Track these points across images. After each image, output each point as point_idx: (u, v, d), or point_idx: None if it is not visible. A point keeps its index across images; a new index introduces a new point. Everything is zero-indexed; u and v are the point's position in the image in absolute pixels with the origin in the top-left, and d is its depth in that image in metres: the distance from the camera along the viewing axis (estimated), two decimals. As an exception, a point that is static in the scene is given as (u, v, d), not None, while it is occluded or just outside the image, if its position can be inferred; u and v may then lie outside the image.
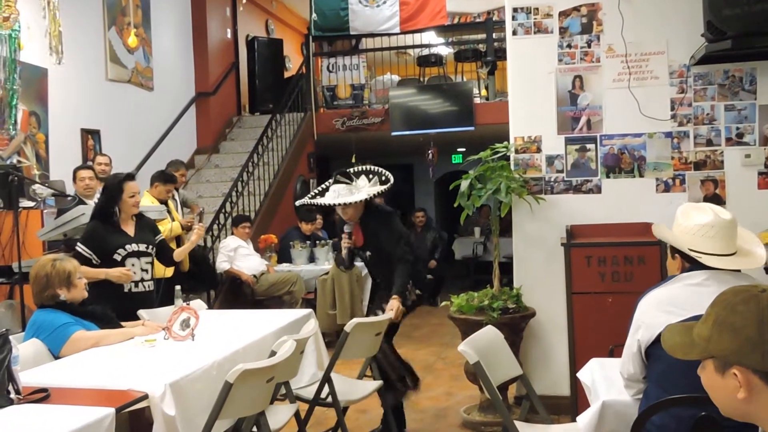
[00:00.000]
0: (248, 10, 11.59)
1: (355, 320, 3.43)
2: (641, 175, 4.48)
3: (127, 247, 4.02)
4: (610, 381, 2.45)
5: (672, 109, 4.44)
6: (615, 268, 4.06)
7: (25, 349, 2.98)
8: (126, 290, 3.99)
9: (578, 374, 2.81)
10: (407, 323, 4.21)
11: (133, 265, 4.01)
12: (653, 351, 2.12)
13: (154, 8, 8.66)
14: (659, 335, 2.08)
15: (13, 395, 2.31)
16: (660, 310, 2.11)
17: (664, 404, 2.02)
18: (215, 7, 10.39)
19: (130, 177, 4.17)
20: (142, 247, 4.09)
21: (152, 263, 4.18)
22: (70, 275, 3.28)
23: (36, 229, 5.24)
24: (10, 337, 2.38)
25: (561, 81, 4.57)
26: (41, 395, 2.35)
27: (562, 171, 4.55)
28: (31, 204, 5.57)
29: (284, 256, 7.66)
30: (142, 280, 4.09)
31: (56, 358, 3.10)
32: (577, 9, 4.56)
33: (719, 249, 2.18)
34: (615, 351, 2.67)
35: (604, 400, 2.33)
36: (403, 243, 4.02)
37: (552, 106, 4.58)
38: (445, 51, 11.42)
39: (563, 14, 4.57)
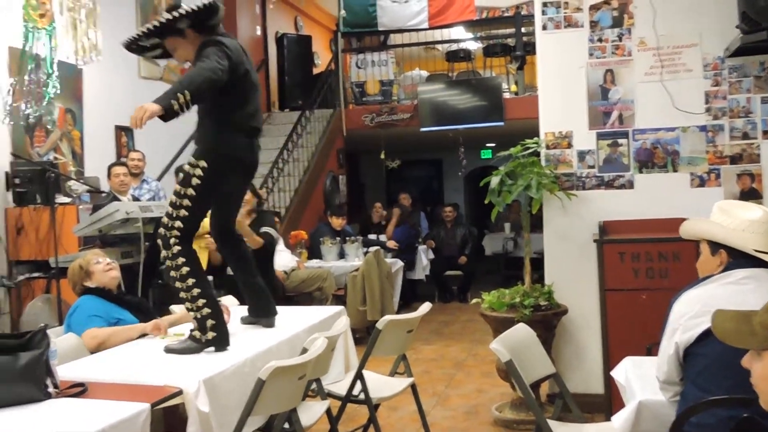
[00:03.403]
0: (277, 7, 11.62)
1: (387, 317, 3.42)
2: (675, 170, 4.40)
3: None
4: (646, 380, 2.41)
5: (706, 102, 4.35)
6: (649, 264, 3.99)
7: (62, 343, 3.03)
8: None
9: (612, 373, 2.77)
10: (438, 320, 4.18)
11: None
12: (691, 351, 2.08)
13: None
14: (698, 336, 2.05)
15: (51, 389, 2.34)
16: (698, 311, 2.06)
17: (704, 406, 1.98)
18: (245, 4, 10.44)
19: None
20: None
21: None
22: (81, 267, 3.50)
23: (71, 225, 5.34)
24: (48, 332, 2.41)
25: (592, 75, 4.50)
26: (78, 389, 2.38)
27: (593, 166, 4.49)
28: (67, 200, 5.68)
29: (314, 252, 7.68)
30: None
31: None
32: (607, 2, 4.48)
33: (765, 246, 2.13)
34: (654, 350, 2.61)
35: (640, 400, 2.29)
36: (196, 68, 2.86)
37: (583, 100, 4.51)
38: (474, 46, 11.35)
39: (594, 8, 4.50)
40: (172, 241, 2.92)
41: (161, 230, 2.97)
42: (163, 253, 2.97)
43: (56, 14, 5.79)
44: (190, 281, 2.94)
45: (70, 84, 6.47)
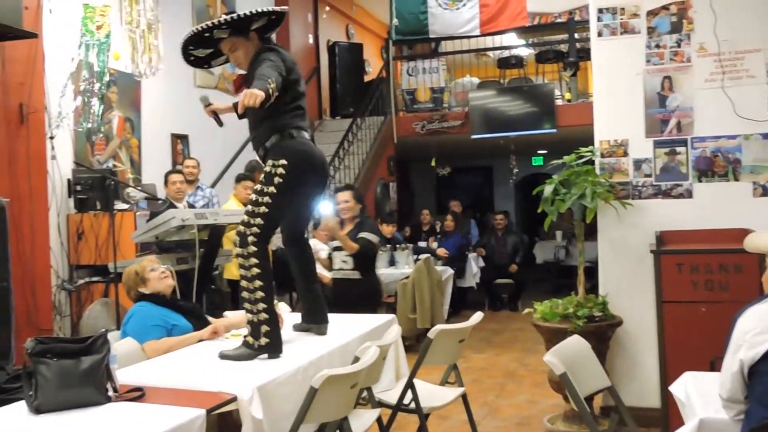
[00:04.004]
0: (329, 15, 11.75)
1: (439, 327, 3.39)
2: (736, 179, 4.27)
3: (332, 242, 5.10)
4: (707, 397, 2.34)
5: (770, 108, 4.22)
6: (709, 276, 3.88)
7: (120, 347, 3.10)
8: (336, 276, 5.09)
9: (671, 388, 2.69)
10: (488, 328, 4.15)
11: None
12: (756, 369, 2.00)
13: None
14: (764, 354, 1.98)
15: (111, 393, 2.38)
16: (764, 328, 1.99)
17: (771, 425, 1.91)
18: (298, 13, 10.57)
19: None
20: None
21: (351, 256, 4.98)
22: (137, 273, 3.56)
23: (129, 231, 5.46)
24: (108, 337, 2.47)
25: (649, 82, 4.41)
26: (137, 394, 2.42)
27: (650, 175, 4.39)
28: (125, 206, 5.80)
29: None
30: (341, 269, 5.05)
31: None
32: (666, 8, 4.39)
33: None
34: (717, 364, 2.53)
35: (701, 418, 2.21)
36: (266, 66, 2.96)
37: (639, 108, 4.42)
38: (526, 52, 11.25)
39: (651, 13, 4.41)
40: (250, 239, 2.96)
41: (240, 227, 3.01)
42: (238, 250, 3.00)
43: (115, 27, 5.96)
44: (258, 283, 2.97)
45: (129, 93, 6.64)
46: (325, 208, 5.52)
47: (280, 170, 3.00)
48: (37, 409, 2.26)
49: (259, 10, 3.06)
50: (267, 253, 3.05)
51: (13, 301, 4.67)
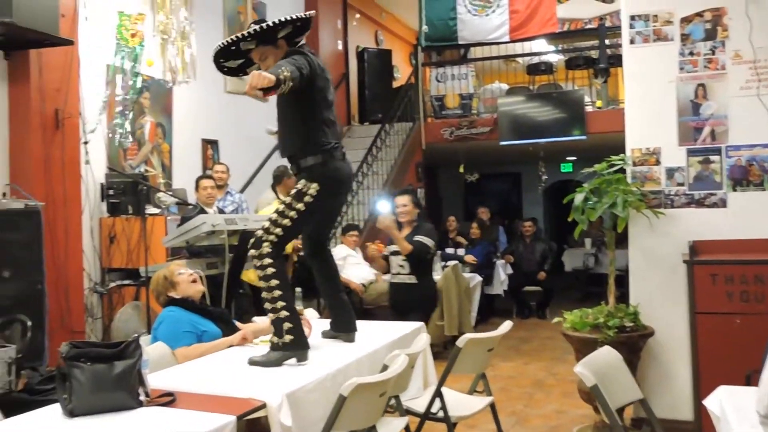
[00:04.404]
0: (358, 21, 11.79)
1: (467, 336, 3.37)
2: (772, 188, 4.20)
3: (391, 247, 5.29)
4: (744, 412, 2.29)
5: (807, 117, 4.14)
6: (744, 287, 3.81)
7: (151, 351, 3.13)
8: (393, 281, 5.26)
9: (705, 402, 2.64)
10: (516, 336, 4.11)
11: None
12: (796, 385, 1.96)
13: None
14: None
15: (142, 397, 2.41)
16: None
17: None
18: (327, 19, 10.62)
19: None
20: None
21: (408, 261, 5.20)
22: (166, 278, 3.59)
23: (160, 235, 5.53)
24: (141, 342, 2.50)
25: (682, 90, 4.35)
26: (168, 399, 2.44)
27: (683, 184, 4.33)
28: (157, 211, 5.88)
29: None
30: (399, 274, 5.27)
31: (172, 349, 3.34)
32: (700, 15, 4.33)
33: None
34: (754, 378, 2.48)
35: (737, 434, 2.17)
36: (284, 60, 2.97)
37: (672, 116, 4.36)
38: (555, 58, 11.19)
39: (685, 20, 4.36)
40: (265, 244, 3.00)
41: (259, 231, 3.05)
42: (252, 252, 3.04)
43: (148, 35, 6.04)
44: (274, 282, 3.01)
45: (161, 99, 6.72)
46: (382, 206, 5.60)
47: (312, 192, 3.06)
48: (71, 413, 2.29)
49: (283, 18, 3.08)
50: (281, 256, 3.09)
51: (47, 303, 4.75)
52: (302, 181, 3.09)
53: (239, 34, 3.11)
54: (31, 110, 5.20)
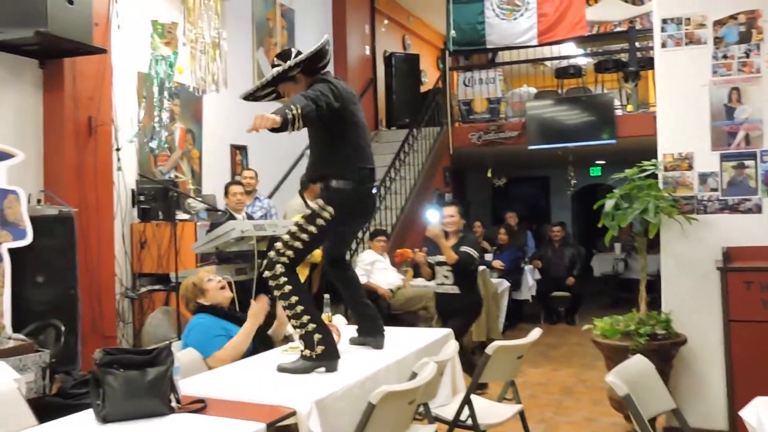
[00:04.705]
0: (386, 27, 11.81)
1: (497, 343, 3.36)
2: (809, 194, 4.12)
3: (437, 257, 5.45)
4: (781, 424, 2.25)
5: None
6: (780, 295, 3.75)
7: (182, 357, 3.15)
8: (438, 291, 5.53)
9: (741, 413, 2.59)
10: (544, 342, 4.07)
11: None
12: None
13: (298, 29, 9.02)
14: None
15: (174, 404, 2.43)
16: None
17: None
18: (355, 24, 10.66)
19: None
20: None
21: (452, 271, 5.35)
22: (195, 284, 3.62)
23: (190, 241, 5.57)
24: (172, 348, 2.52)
25: (715, 94, 4.29)
26: (199, 406, 2.45)
27: (716, 189, 4.27)
28: (186, 217, 5.93)
29: (420, 271, 7.67)
30: (443, 283, 5.43)
31: (204, 356, 3.34)
32: (734, 17, 4.27)
33: None
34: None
35: (775, 447, 2.13)
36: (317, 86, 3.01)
37: (705, 120, 4.31)
38: (584, 61, 11.10)
39: (718, 23, 4.30)
40: (278, 267, 3.01)
41: (271, 253, 3.06)
42: (267, 273, 3.05)
43: (181, 43, 6.11)
44: (294, 299, 3.01)
45: (191, 106, 6.79)
46: (432, 216, 5.75)
47: (326, 215, 3.04)
48: (105, 419, 2.31)
49: (291, 63, 3.11)
50: (295, 272, 3.08)
51: (80, 308, 4.82)
52: (320, 201, 3.08)
53: (253, 88, 3.22)
54: (65, 118, 5.27)
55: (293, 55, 3.16)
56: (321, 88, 2.99)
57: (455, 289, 5.37)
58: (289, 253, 3.02)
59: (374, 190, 3.29)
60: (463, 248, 5.34)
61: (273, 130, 2.76)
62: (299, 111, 2.79)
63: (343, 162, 3.11)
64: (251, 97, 3.28)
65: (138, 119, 6.08)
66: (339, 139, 3.12)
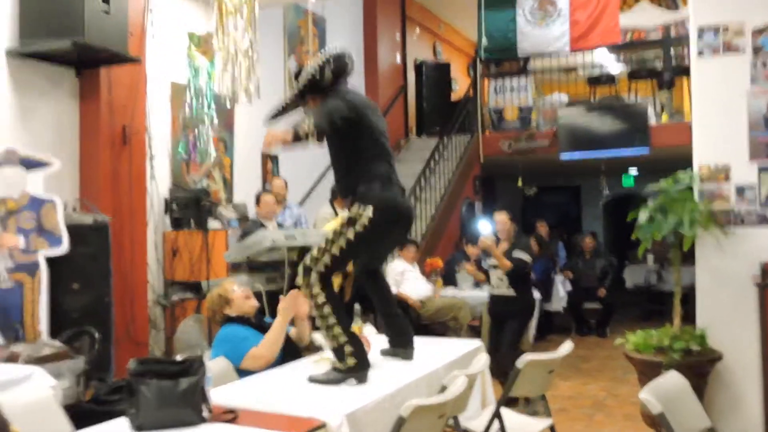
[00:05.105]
0: (418, 35, 11.85)
1: (528, 357, 3.34)
2: None
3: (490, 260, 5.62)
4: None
5: None
6: (819, 312, 3.68)
7: (212, 366, 3.18)
8: (493, 293, 5.69)
9: (778, 432, 2.56)
10: (575, 354, 4.03)
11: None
12: None
13: (330, 37, 9.08)
14: None
15: (205, 414, 2.45)
16: None
17: None
18: (386, 32, 10.70)
19: None
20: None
21: (507, 274, 5.49)
22: (221, 295, 3.61)
23: (221, 249, 5.63)
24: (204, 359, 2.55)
25: (754, 104, 4.23)
26: (230, 416, 2.48)
27: (755, 202, 4.20)
28: (218, 225, 5.99)
29: (450, 280, 7.66)
30: (498, 287, 5.59)
31: (235, 366, 3.35)
32: (773, 26, 4.22)
33: None
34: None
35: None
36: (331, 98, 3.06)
37: (743, 131, 4.25)
38: (617, 69, 11.00)
39: (757, 32, 4.25)
40: (313, 275, 2.99)
41: (306, 259, 3.05)
42: (301, 281, 3.04)
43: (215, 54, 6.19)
44: (326, 310, 3.00)
45: (224, 115, 6.87)
46: (483, 227, 5.94)
47: (364, 221, 2.98)
48: (139, 428, 2.36)
49: (307, 83, 3.13)
50: (330, 282, 3.06)
51: (114, 315, 4.89)
52: (356, 205, 3.04)
53: (280, 107, 3.25)
54: (100, 126, 5.36)
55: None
56: (333, 103, 3.01)
57: (511, 292, 5.55)
58: (326, 259, 2.99)
59: (405, 194, 3.26)
60: (516, 254, 5.53)
61: (287, 146, 2.85)
62: (311, 127, 2.85)
63: (370, 169, 3.09)
64: (274, 118, 3.28)
65: (184, 129, 6.18)
66: (363, 148, 3.11)
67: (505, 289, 5.58)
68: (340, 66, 3.18)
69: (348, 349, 2.98)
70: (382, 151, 3.16)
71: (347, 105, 3.02)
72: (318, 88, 3.15)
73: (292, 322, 3.67)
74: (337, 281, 5.60)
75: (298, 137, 2.83)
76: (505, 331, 5.60)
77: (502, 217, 5.74)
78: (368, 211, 2.99)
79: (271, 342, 3.40)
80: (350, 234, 2.99)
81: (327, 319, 3.00)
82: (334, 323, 3.00)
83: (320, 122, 2.90)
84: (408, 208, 3.28)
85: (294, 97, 3.21)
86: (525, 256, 5.53)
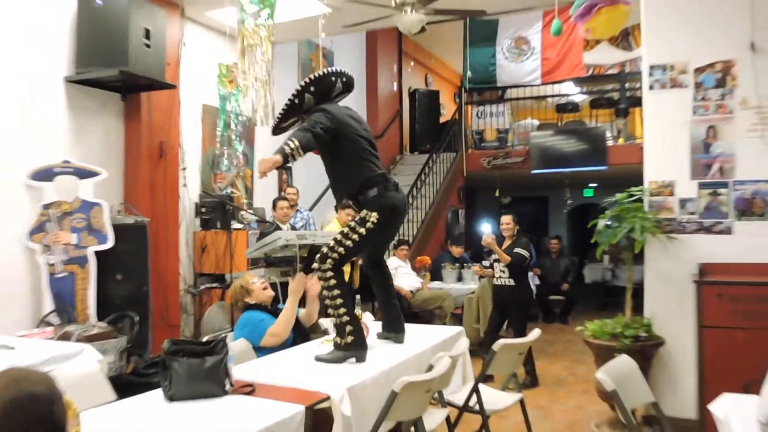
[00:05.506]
0: (412, 67, 11.87)
1: (502, 341, 3.35)
2: (773, 219, 4.06)
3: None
4: (746, 419, 2.21)
5: (808, 157, 4.00)
6: (746, 306, 3.69)
7: (234, 346, 3.19)
8: (496, 283, 5.68)
9: (710, 407, 2.56)
10: (542, 338, 4.04)
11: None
12: (794, 399, 1.90)
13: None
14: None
15: (228, 387, 2.46)
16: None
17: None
18: (385, 65, 10.73)
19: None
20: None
21: (508, 267, 5.54)
22: (242, 286, 3.63)
23: (242, 247, 5.64)
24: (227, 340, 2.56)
25: (695, 131, 4.25)
26: (249, 389, 2.48)
27: (694, 213, 4.22)
28: (240, 226, 6.00)
29: (436, 275, 7.67)
30: (500, 277, 5.65)
31: (255, 346, 3.36)
32: (711, 66, 4.23)
33: None
34: (752, 387, 2.40)
35: (740, 439, 2.10)
36: (298, 128, 2.98)
37: (686, 153, 4.27)
38: (581, 99, 11.04)
39: (698, 70, 4.26)
40: (329, 260, 3.02)
41: (324, 248, 3.05)
42: (316, 265, 3.05)
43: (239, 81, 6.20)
44: (336, 292, 3.02)
45: (246, 132, 6.89)
46: (485, 228, 6.03)
47: (372, 220, 3.03)
48: (171, 398, 2.36)
49: (292, 94, 3.08)
50: (342, 270, 3.09)
51: (151, 302, 4.90)
52: (365, 210, 3.07)
53: (276, 119, 3.19)
54: (141, 142, 5.38)
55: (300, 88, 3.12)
56: (315, 117, 2.98)
57: (511, 282, 5.60)
58: (340, 250, 3.02)
59: (399, 190, 3.22)
60: (516, 250, 5.59)
61: (279, 167, 2.79)
62: (296, 143, 2.80)
63: (367, 173, 3.07)
64: (278, 129, 3.25)
65: (225, 144, 6.18)
66: (354, 155, 3.07)
67: (506, 280, 5.62)
68: (325, 85, 3.13)
69: (348, 327, 2.99)
70: (369, 155, 3.12)
71: (327, 117, 2.98)
72: (302, 109, 3.11)
73: (303, 304, 3.67)
74: (347, 270, 5.63)
75: (286, 159, 2.80)
76: (509, 320, 5.66)
77: (507, 219, 5.78)
78: (374, 216, 3.03)
79: (284, 320, 3.41)
80: (362, 231, 3.03)
81: (335, 300, 3.02)
82: (341, 303, 3.02)
83: (303, 138, 2.85)
84: (402, 201, 3.26)
85: (280, 117, 3.15)
86: (524, 252, 5.57)
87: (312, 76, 3.11)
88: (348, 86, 3.24)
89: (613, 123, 10.14)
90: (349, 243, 3.04)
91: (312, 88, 3.10)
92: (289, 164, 2.85)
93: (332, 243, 3.06)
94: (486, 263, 8.78)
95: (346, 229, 3.07)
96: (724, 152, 4.16)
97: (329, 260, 3.02)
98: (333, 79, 3.14)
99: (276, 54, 7.09)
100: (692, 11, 4.25)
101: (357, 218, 3.09)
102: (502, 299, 5.68)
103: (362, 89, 10.19)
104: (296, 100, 3.10)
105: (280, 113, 3.16)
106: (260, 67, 4.58)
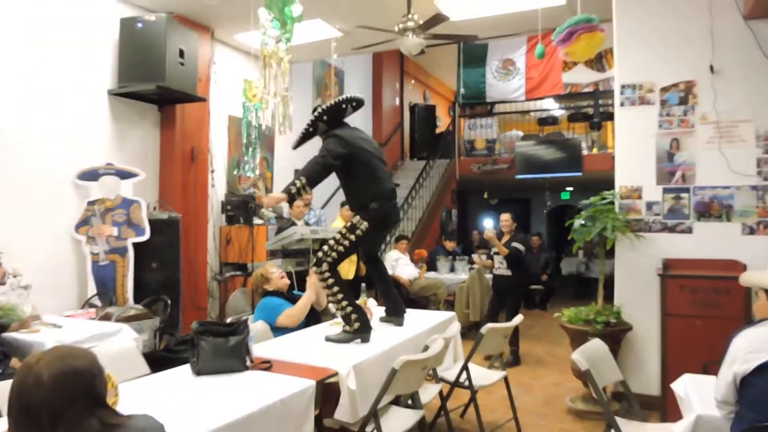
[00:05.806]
0: (413, 85, 11.84)
1: (489, 325, 3.34)
2: (729, 220, 4.02)
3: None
4: (703, 396, 2.20)
5: (758, 166, 3.96)
6: (704, 296, 3.66)
7: (254, 328, 3.18)
8: (495, 273, 5.62)
9: (672, 385, 2.55)
10: (523, 323, 4.02)
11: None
12: (747, 380, 1.87)
13: (347, 84, 9.09)
14: (755, 369, 1.85)
15: (248, 363, 2.46)
16: (756, 347, 1.87)
17: (759, 429, 1.77)
18: (389, 82, 10.71)
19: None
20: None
21: (506, 259, 5.44)
22: (262, 275, 3.63)
23: (263, 240, 5.63)
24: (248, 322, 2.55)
25: (660, 143, 4.22)
26: (266, 365, 2.48)
27: (659, 214, 4.20)
28: (261, 222, 5.99)
29: (432, 266, 7.65)
30: (499, 268, 5.60)
31: (271, 325, 3.36)
32: (675, 85, 4.20)
33: None
34: (710, 368, 2.37)
35: (698, 414, 2.08)
36: (312, 161, 2.93)
37: (652, 162, 4.24)
38: (560, 113, 11.00)
39: (664, 89, 4.23)
40: (324, 264, 3.01)
41: (320, 252, 3.05)
42: (315, 269, 3.05)
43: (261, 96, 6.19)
44: (335, 289, 3.02)
45: (266, 139, 6.88)
46: (487, 223, 6.00)
47: (363, 228, 3.01)
48: (198, 372, 2.36)
49: (309, 122, 3.06)
50: (337, 269, 3.07)
51: (182, 287, 4.89)
52: (357, 217, 3.04)
53: (297, 139, 3.18)
54: (175, 148, 5.38)
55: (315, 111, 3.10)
56: (327, 144, 2.95)
57: (508, 272, 5.58)
58: (334, 254, 3.01)
59: (396, 204, 3.22)
60: (513, 244, 5.56)
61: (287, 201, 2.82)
62: (303, 182, 2.80)
63: (373, 190, 3.05)
64: (298, 145, 3.25)
65: (252, 153, 6.18)
66: (364, 174, 3.05)
67: (504, 270, 5.59)
68: (336, 111, 3.09)
69: (353, 316, 2.98)
70: (380, 172, 3.10)
71: (340, 143, 2.93)
72: (329, 120, 3.08)
73: None
74: (354, 260, 5.60)
75: (292, 197, 2.80)
76: (506, 306, 5.62)
77: (506, 216, 5.74)
78: (364, 225, 3.01)
79: (302, 304, 3.41)
80: (352, 237, 3.02)
81: (336, 296, 3.02)
82: (342, 298, 3.02)
83: (311, 172, 2.83)
84: (397, 213, 3.25)
85: (300, 137, 3.14)
86: (520, 246, 5.54)
87: (325, 106, 3.07)
88: (358, 107, 3.22)
89: (588, 135, 10.10)
90: (341, 248, 3.03)
91: (325, 117, 3.07)
92: (296, 200, 2.82)
93: (326, 248, 3.04)
94: (475, 256, 8.82)
95: (338, 235, 3.04)
96: (686, 161, 4.13)
97: (325, 264, 3.02)
98: (344, 106, 3.12)
99: (293, 72, 7.10)
100: (659, 37, 4.22)
101: (348, 224, 3.06)
102: (501, 287, 5.67)
103: (369, 103, 10.17)
104: (311, 129, 3.10)
105: (299, 136, 3.15)
106: (280, 84, 4.56)
